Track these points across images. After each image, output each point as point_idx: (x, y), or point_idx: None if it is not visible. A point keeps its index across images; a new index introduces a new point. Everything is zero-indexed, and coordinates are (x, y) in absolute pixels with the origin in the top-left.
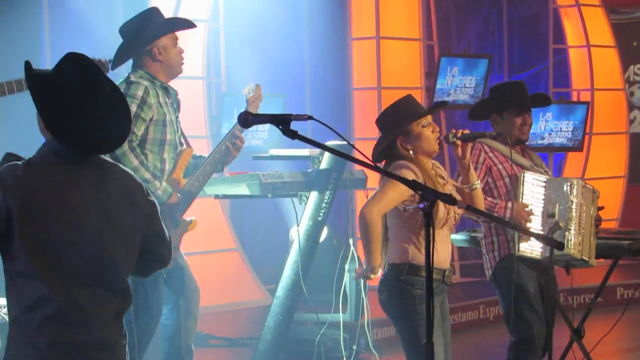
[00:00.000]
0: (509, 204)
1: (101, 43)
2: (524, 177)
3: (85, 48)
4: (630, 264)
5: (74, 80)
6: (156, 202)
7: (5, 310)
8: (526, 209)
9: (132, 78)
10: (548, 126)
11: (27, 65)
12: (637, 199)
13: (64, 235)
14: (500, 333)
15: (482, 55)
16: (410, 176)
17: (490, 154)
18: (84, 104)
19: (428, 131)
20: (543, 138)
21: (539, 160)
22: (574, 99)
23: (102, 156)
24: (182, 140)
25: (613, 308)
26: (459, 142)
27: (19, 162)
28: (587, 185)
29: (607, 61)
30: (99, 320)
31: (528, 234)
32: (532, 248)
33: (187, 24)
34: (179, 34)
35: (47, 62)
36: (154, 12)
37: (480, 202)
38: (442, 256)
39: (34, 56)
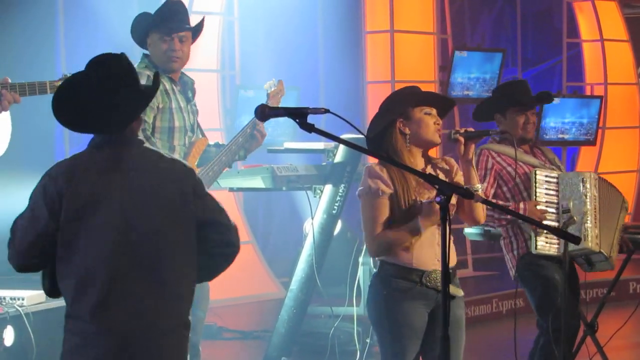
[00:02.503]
0: (521, 205)
1: (116, 40)
2: (535, 175)
3: (100, 45)
4: None
5: (86, 77)
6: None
7: (19, 302)
8: (538, 207)
9: (136, 69)
10: (561, 120)
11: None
12: None
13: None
14: (512, 327)
15: (495, 49)
16: (377, 184)
17: (498, 159)
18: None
19: (430, 120)
20: (556, 132)
21: (552, 154)
22: (588, 93)
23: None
24: (197, 129)
25: (625, 302)
26: (461, 139)
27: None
28: (615, 190)
29: (621, 55)
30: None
31: (542, 227)
32: (549, 245)
33: (174, 27)
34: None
35: (61, 59)
36: (169, 3)
37: (480, 210)
38: (424, 256)
39: (48, 53)
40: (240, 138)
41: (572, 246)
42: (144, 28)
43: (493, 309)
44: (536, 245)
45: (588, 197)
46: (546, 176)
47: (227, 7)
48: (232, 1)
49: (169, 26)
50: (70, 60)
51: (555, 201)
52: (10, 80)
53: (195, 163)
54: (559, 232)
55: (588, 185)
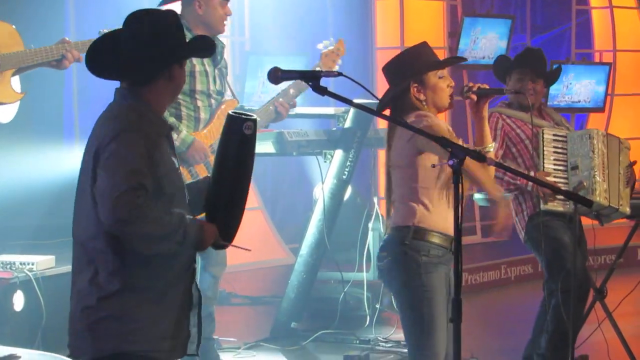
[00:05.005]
0: (531, 173)
1: (124, 4)
2: (543, 134)
3: (110, 16)
4: None
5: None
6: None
7: (29, 267)
8: (548, 179)
9: None
10: (570, 87)
11: None
12: None
13: None
14: (521, 293)
15: (505, 15)
16: (442, 127)
17: (508, 120)
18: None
19: (444, 84)
20: (565, 98)
21: (558, 117)
22: (596, 60)
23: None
24: (230, 92)
25: (634, 269)
26: (473, 97)
27: None
28: (613, 136)
29: (630, 22)
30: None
31: (553, 190)
32: (558, 201)
33: None
34: None
35: (71, 30)
36: None
37: (491, 171)
38: (450, 222)
39: (57, 24)
40: (271, 106)
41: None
42: None
43: (501, 275)
44: (545, 201)
45: (595, 152)
46: (554, 135)
47: None
48: None
49: None
50: (79, 25)
51: (564, 159)
52: (68, 40)
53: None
54: (571, 195)
55: (595, 141)
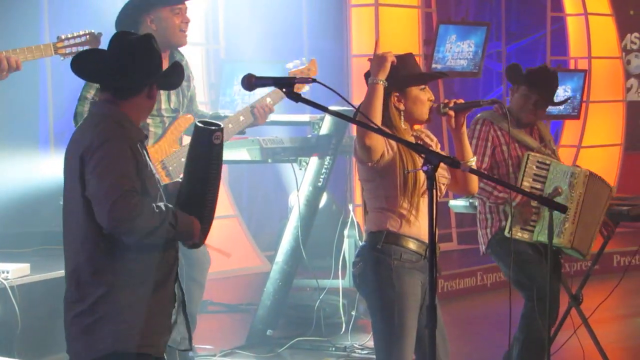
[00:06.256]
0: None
1: (100, 15)
2: (528, 158)
3: (84, 18)
4: (626, 232)
5: None
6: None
7: (4, 275)
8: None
9: None
10: None
11: None
12: (634, 166)
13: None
14: (497, 300)
15: (480, 22)
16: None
17: (499, 132)
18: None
19: (424, 96)
20: None
21: (550, 136)
22: (571, 67)
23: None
24: (185, 108)
25: (609, 275)
26: (451, 113)
27: None
28: (607, 185)
29: (605, 29)
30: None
31: (532, 197)
32: (522, 232)
33: None
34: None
35: (45, 32)
36: None
37: (474, 181)
38: (425, 229)
39: (33, 26)
40: (242, 116)
41: (543, 237)
42: (145, 6)
43: (478, 282)
44: (510, 230)
45: (575, 194)
46: (538, 162)
47: None
48: None
49: (172, 2)
50: (54, 28)
51: (541, 188)
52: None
53: (174, 140)
54: (546, 201)
55: (576, 182)
